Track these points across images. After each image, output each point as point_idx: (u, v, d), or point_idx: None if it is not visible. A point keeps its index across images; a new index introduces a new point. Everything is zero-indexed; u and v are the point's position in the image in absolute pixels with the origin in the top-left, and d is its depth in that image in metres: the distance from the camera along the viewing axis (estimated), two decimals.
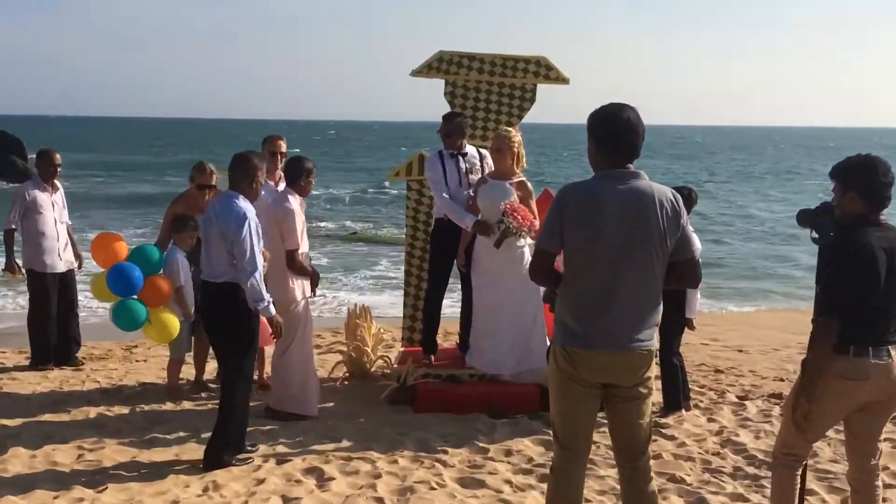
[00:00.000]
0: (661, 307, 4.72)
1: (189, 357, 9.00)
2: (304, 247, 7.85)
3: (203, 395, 8.75)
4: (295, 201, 7.75)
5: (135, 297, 8.02)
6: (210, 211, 6.80)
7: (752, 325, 13.86)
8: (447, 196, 8.38)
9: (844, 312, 4.86)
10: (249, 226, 6.50)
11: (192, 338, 8.81)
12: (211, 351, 9.09)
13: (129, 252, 8.26)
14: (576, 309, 4.66)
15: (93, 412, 8.14)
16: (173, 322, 8.19)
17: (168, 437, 7.43)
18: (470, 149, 8.66)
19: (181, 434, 7.49)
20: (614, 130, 4.62)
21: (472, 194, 8.41)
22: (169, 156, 67.37)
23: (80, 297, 10.31)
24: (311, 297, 8.05)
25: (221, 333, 6.73)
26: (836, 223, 5.15)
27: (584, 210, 4.58)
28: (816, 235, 5.28)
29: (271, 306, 6.66)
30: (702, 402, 8.74)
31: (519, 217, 7.96)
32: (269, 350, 8.58)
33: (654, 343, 4.71)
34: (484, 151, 8.74)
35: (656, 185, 4.65)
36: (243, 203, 6.60)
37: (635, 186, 4.59)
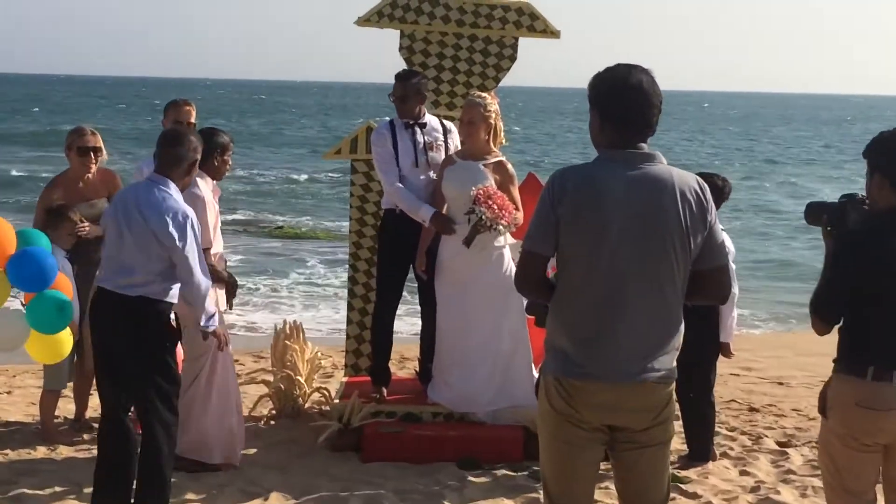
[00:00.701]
0: (681, 327, 4.74)
1: (68, 389, 8.94)
2: (217, 246, 7.83)
3: (85, 437, 8.69)
4: (206, 186, 7.73)
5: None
6: (125, 198, 6.75)
7: (795, 350, 13.97)
8: (398, 182, 8.37)
9: (856, 325, 5.05)
10: (194, 229, 6.55)
11: (73, 364, 8.72)
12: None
13: (17, 237, 8.05)
14: (573, 330, 4.68)
15: None
16: (68, 336, 8.01)
17: (40, 492, 7.40)
18: (431, 119, 8.67)
19: (57, 489, 7.45)
20: (622, 100, 4.65)
21: (433, 178, 8.42)
22: (45, 125, 66.14)
23: None
24: (226, 311, 8.03)
25: (135, 363, 6.61)
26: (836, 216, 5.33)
27: (583, 203, 4.59)
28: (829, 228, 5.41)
29: (217, 317, 6.90)
30: (732, 449, 8.81)
31: (494, 206, 7.93)
32: None
33: (674, 373, 4.73)
34: (449, 124, 8.76)
35: (677, 171, 4.68)
36: (176, 195, 6.60)
37: (650, 172, 4.61)
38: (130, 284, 6.54)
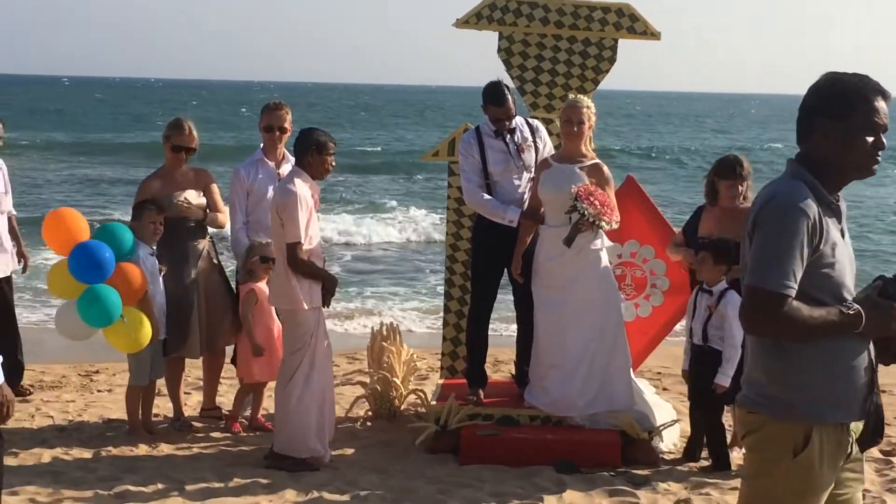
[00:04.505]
0: None
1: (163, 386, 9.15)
2: (310, 243, 7.95)
3: (186, 434, 8.87)
4: (303, 184, 7.90)
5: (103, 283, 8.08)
6: None
7: None
8: (483, 191, 8.46)
9: None
10: None
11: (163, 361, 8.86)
12: (194, 379, 9.20)
13: (95, 232, 8.39)
14: None
15: (46, 456, 8.29)
16: (147, 324, 8.24)
17: (144, 489, 7.53)
18: (517, 120, 8.66)
19: (160, 486, 7.59)
20: None
21: (527, 179, 8.51)
22: (135, 133, 62.36)
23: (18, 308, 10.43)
24: (322, 307, 8.11)
25: None
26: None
27: None
28: None
29: None
30: None
31: (596, 202, 7.92)
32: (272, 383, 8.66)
33: None
34: (536, 122, 8.82)
35: None
36: None
37: None
38: None
